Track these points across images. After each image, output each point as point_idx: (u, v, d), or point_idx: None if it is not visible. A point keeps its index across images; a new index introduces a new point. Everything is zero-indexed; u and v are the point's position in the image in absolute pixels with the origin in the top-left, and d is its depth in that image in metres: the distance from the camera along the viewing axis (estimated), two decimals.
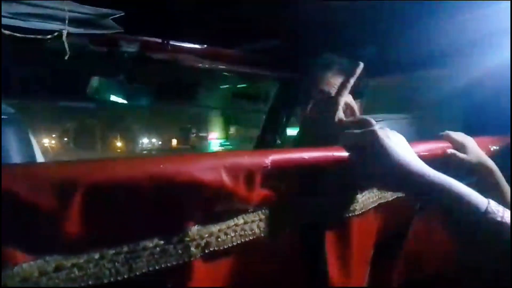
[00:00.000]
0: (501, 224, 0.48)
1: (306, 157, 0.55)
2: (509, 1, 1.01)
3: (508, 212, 0.50)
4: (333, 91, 1.03)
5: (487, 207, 0.50)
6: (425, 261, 0.84)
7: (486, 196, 0.52)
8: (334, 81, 1.04)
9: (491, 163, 0.81)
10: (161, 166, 0.41)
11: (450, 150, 0.79)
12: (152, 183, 0.40)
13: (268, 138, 1.74)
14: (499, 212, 0.49)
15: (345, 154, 0.59)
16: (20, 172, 0.33)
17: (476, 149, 0.82)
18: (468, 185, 0.79)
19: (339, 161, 0.59)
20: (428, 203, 0.58)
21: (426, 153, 0.75)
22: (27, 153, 0.41)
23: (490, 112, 1.27)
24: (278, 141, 1.86)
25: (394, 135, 0.60)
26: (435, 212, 0.57)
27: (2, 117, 0.38)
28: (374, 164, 0.57)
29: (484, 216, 0.49)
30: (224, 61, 1.46)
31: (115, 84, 1.24)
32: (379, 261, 0.77)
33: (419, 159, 0.58)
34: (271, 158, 0.50)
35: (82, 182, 0.35)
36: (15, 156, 0.40)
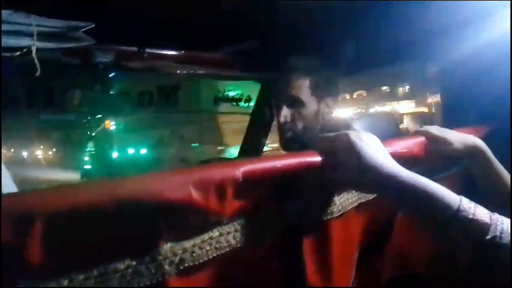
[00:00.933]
0: (471, 221, 0.49)
1: (278, 165, 0.55)
2: (509, 1, 1.02)
3: (480, 208, 0.51)
4: (299, 94, 1.09)
5: (459, 205, 0.51)
6: (409, 257, 0.85)
7: (482, 179, 0.52)
8: (300, 84, 1.10)
9: (479, 142, 0.82)
10: (127, 187, 0.40)
11: (428, 145, 0.80)
12: (117, 205, 0.39)
13: (253, 141, 1.74)
14: (471, 209, 0.50)
15: (318, 159, 0.59)
16: None
17: (458, 135, 0.83)
18: (462, 171, 0.80)
19: (313, 166, 0.59)
20: (401, 204, 0.59)
21: (404, 151, 0.76)
22: None
23: (466, 104, 1.29)
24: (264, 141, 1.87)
25: (367, 137, 0.60)
26: (409, 212, 0.57)
27: None
28: (347, 167, 0.57)
29: (455, 214, 0.50)
30: (203, 65, 1.45)
31: (91, 95, 1.23)
32: (365, 260, 0.78)
33: (392, 160, 0.58)
34: (242, 169, 0.50)
35: (43, 211, 0.35)
36: None
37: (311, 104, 1.13)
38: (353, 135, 0.59)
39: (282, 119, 1.12)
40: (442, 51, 1.44)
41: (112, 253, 0.41)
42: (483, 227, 0.49)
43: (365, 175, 0.55)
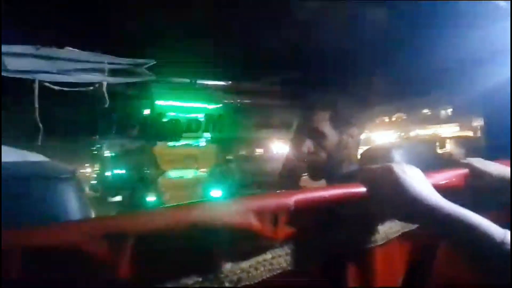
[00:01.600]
0: None
1: (327, 195, 0.60)
2: (509, 1, 1.03)
3: None
4: (320, 126, 1.13)
5: (503, 238, 0.52)
6: (452, 286, 0.85)
7: None
8: (319, 116, 1.14)
9: None
10: (196, 213, 0.47)
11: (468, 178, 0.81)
12: (190, 228, 0.46)
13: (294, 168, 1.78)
14: None
15: (363, 190, 0.63)
16: (79, 227, 0.40)
17: (498, 168, 0.82)
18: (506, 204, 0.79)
19: (358, 197, 0.63)
20: (445, 235, 0.61)
21: (446, 181, 0.78)
22: (84, 210, 0.48)
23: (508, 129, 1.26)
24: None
25: (411, 169, 0.63)
26: (453, 244, 0.59)
27: (65, 177, 0.46)
28: (391, 199, 0.60)
29: (499, 247, 0.51)
30: (247, 94, 1.54)
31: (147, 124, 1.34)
32: None
33: (435, 193, 0.61)
34: (294, 199, 0.55)
35: (131, 232, 0.42)
36: (75, 213, 0.47)
37: (332, 135, 1.15)
38: (396, 168, 0.62)
39: (305, 150, 1.15)
40: (484, 75, 1.43)
41: (183, 270, 0.48)
42: None
43: (410, 207, 0.58)
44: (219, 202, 0.51)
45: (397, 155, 1.07)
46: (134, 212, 0.45)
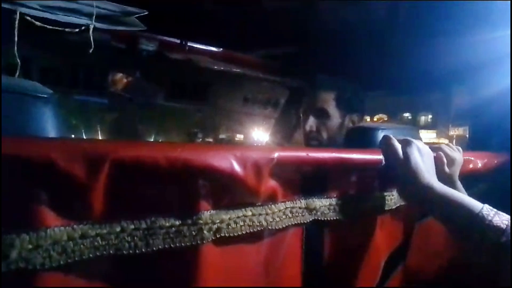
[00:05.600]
0: (488, 225, 0.55)
1: (311, 156, 0.58)
2: (509, 1, 1.05)
3: (500, 215, 0.57)
4: (326, 106, 1.17)
5: (478, 212, 0.57)
6: (423, 270, 0.86)
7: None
8: (327, 97, 1.18)
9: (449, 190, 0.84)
10: (179, 151, 0.44)
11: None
12: (169, 165, 0.43)
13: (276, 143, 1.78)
14: (489, 215, 0.56)
15: (349, 156, 0.63)
16: (58, 144, 0.36)
17: (461, 157, 0.86)
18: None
19: (343, 162, 0.62)
20: (433, 211, 0.65)
21: None
22: (63, 131, 0.45)
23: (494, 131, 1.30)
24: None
25: (425, 152, 0.67)
26: (439, 218, 0.61)
27: (42, 96, 0.42)
28: (403, 177, 0.65)
29: (475, 218, 0.57)
30: (239, 64, 1.50)
31: (133, 81, 1.29)
32: (383, 272, 0.78)
33: (434, 175, 0.66)
34: (277, 153, 0.53)
35: (110, 157, 0.39)
36: (52, 133, 0.44)
37: (336, 117, 1.20)
38: (415, 148, 0.65)
39: (308, 128, 1.19)
40: (476, 83, 1.46)
41: (160, 211, 0.45)
42: (498, 231, 0.54)
43: (414, 189, 0.63)
44: (204, 144, 0.48)
45: (383, 135, 1.07)
46: (116, 140, 0.42)
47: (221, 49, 1.42)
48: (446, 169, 0.82)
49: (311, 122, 1.21)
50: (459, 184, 0.84)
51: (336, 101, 1.21)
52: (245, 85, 1.68)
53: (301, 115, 1.27)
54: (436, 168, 0.69)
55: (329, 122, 1.20)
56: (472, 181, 0.89)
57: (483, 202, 0.59)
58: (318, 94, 1.23)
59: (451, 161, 0.84)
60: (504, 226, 0.54)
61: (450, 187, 0.64)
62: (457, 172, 0.85)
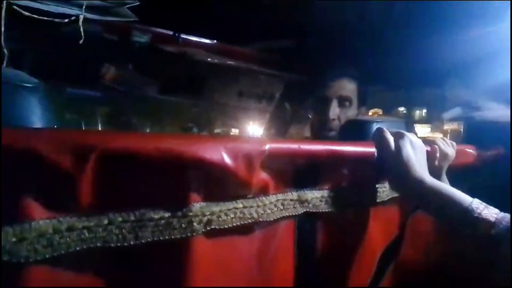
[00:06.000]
0: (477, 218, 0.56)
1: (303, 148, 0.57)
2: (509, 1, 1.05)
3: (490, 209, 0.57)
4: (351, 94, 1.16)
5: (468, 205, 0.58)
6: (416, 262, 0.86)
7: None
8: (351, 86, 1.18)
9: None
10: (169, 141, 0.43)
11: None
12: (160, 156, 0.42)
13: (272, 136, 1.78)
14: (478, 209, 0.57)
15: (341, 148, 0.63)
16: (44, 134, 0.36)
17: (453, 152, 0.87)
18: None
19: (335, 155, 0.62)
20: (424, 205, 0.66)
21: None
22: (50, 120, 0.44)
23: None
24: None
25: (418, 146, 0.67)
26: (431, 212, 0.63)
27: (28, 85, 0.41)
28: (395, 169, 0.65)
29: (465, 212, 0.58)
30: (234, 58, 1.48)
31: (125, 73, 1.27)
32: (378, 265, 0.78)
33: (425, 169, 0.66)
34: (268, 146, 0.53)
35: (99, 147, 0.38)
36: (39, 123, 0.43)
37: (354, 107, 1.22)
38: (407, 141, 0.65)
39: (332, 116, 1.19)
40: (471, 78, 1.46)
41: (149, 202, 0.44)
42: (487, 224, 0.55)
43: (405, 183, 0.64)
44: (194, 135, 0.47)
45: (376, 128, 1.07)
46: (105, 130, 0.41)
47: (216, 41, 1.41)
48: (437, 162, 0.82)
49: (336, 110, 1.19)
50: (445, 177, 0.85)
51: (357, 92, 1.22)
52: (240, 79, 1.68)
53: (321, 103, 1.23)
54: (427, 162, 0.69)
55: (350, 112, 1.21)
56: (464, 174, 0.89)
57: (474, 196, 0.59)
58: (342, 82, 1.22)
59: (444, 156, 0.84)
60: (493, 219, 0.55)
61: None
62: (446, 166, 0.85)
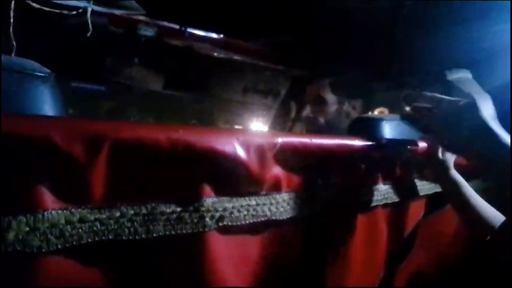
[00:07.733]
0: None
1: (316, 143, 0.57)
2: (509, 1, 1.04)
3: None
4: (322, 92, 1.17)
5: None
6: (428, 267, 0.85)
7: None
8: (322, 83, 1.19)
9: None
10: (181, 132, 0.43)
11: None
12: (172, 147, 0.41)
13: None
14: None
15: (353, 142, 0.62)
16: (57, 122, 0.35)
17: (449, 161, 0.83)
18: None
19: (347, 150, 0.61)
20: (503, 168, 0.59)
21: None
22: (60, 110, 0.43)
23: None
24: None
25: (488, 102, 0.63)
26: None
27: (40, 75, 0.40)
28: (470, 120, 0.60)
29: None
30: (239, 53, 1.47)
31: (133, 67, 1.26)
32: (388, 266, 0.77)
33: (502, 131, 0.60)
34: (282, 139, 0.52)
35: (111, 136, 0.37)
36: (50, 113, 0.42)
37: (332, 102, 1.22)
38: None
39: (304, 115, 1.23)
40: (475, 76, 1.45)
41: (161, 196, 0.43)
42: None
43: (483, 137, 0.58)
44: (207, 128, 0.46)
45: (387, 127, 1.06)
46: (117, 120, 0.40)
47: (222, 36, 1.40)
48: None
49: (308, 109, 1.24)
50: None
51: (332, 88, 1.23)
52: (246, 75, 1.66)
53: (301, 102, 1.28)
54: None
55: (326, 108, 1.23)
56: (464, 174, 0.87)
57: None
58: (314, 80, 1.25)
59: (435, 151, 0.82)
60: None
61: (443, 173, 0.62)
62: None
